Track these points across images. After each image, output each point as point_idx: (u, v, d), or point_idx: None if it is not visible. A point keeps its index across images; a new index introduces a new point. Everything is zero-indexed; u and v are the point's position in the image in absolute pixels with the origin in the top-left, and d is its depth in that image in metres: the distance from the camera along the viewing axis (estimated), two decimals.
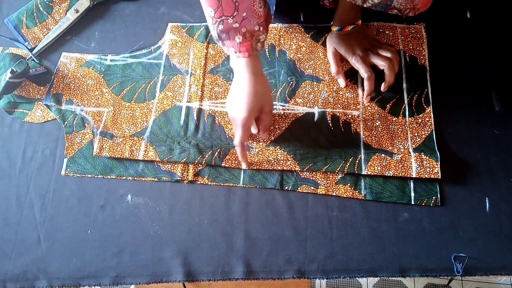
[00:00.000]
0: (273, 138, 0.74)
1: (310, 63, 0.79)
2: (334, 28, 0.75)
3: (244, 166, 0.71)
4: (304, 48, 0.81)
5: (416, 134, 0.73)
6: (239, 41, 0.61)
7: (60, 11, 0.86)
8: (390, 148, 0.72)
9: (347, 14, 0.73)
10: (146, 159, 0.73)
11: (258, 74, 0.64)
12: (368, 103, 0.76)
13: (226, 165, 0.72)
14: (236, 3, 0.58)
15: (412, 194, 0.70)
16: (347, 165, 0.70)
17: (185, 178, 0.73)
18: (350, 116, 0.75)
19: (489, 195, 0.70)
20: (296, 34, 0.82)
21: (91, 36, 0.86)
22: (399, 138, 0.73)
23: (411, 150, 0.71)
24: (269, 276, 0.67)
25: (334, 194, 0.70)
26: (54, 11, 0.86)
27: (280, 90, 0.78)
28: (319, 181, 0.71)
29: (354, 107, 0.75)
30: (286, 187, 0.71)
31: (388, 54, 0.73)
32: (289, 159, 0.72)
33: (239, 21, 0.60)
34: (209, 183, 0.72)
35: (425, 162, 0.70)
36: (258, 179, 0.72)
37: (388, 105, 0.75)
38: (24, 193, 0.74)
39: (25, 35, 0.85)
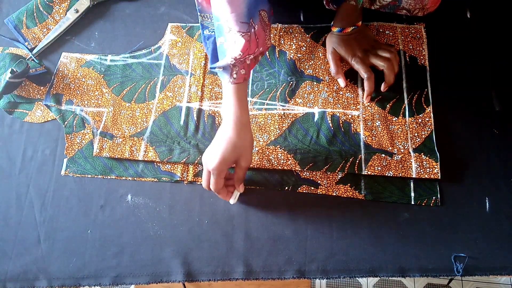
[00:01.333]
0: (273, 138, 0.74)
1: (310, 63, 0.79)
2: (335, 29, 0.75)
3: (232, 201, 0.68)
4: (304, 48, 0.81)
5: (416, 134, 0.73)
6: (243, 73, 0.60)
7: (60, 11, 0.86)
8: (390, 148, 0.72)
9: (348, 15, 0.73)
10: (146, 159, 0.73)
11: (244, 123, 0.62)
12: (368, 103, 0.76)
13: None
14: (257, 39, 0.58)
15: (412, 194, 0.70)
16: (347, 165, 0.70)
17: (185, 178, 0.73)
18: (350, 116, 0.75)
19: (489, 195, 0.70)
20: (296, 34, 0.82)
21: (91, 36, 0.86)
22: (399, 138, 0.73)
23: (411, 150, 0.71)
24: (269, 276, 0.67)
25: (334, 194, 0.70)
26: (54, 11, 0.86)
27: (280, 90, 0.78)
28: (319, 181, 0.71)
29: (354, 107, 0.75)
30: (286, 187, 0.71)
31: (388, 55, 0.73)
32: (289, 158, 0.72)
33: (255, 56, 0.60)
34: None
35: (425, 162, 0.70)
36: (258, 179, 0.72)
37: (388, 105, 0.75)
38: (24, 193, 0.74)
39: (25, 35, 0.85)
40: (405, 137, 0.73)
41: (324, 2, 0.75)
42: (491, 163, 0.72)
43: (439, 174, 0.69)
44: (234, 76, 0.60)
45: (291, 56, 0.80)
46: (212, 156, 0.62)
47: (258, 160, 0.72)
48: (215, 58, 0.63)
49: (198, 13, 0.64)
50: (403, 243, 0.67)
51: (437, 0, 0.60)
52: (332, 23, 0.76)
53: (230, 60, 0.58)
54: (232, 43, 0.57)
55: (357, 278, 1.43)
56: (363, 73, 0.73)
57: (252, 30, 0.56)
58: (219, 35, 0.58)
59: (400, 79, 0.77)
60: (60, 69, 0.82)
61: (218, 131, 0.64)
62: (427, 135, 0.73)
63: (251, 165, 0.71)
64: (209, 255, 0.68)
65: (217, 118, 0.76)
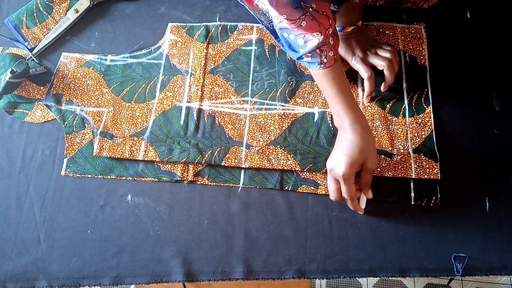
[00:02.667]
0: (273, 138, 0.74)
1: None
2: None
3: (363, 205, 0.67)
4: None
5: (416, 134, 0.73)
6: (332, 55, 0.59)
7: (60, 11, 0.86)
8: (390, 148, 0.72)
9: (349, 15, 0.73)
10: (146, 159, 0.73)
11: (363, 125, 0.61)
12: (368, 103, 0.76)
13: (226, 164, 0.72)
14: (323, 12, 0.56)
15: (412, 194, 0.70)
16: None
17: (185, 178, 0.73)
18: None
19: (489, 195, 0.70)
20: None
21: (91, 36, 0.86)
22: (399, 138, 0.73)
23: (410, 150, 0.71)
24: (269, 276, 0.67)
25: None
26: (54, 11, 0.86)
27: (280, 90, 0.78)
28: (319, 181, 0.71)
29: None
30: (286, 187, 0.71)
31: (388, 55, 0.73)
32: (290, 158, 0.72)
33: (333, 30, 0.59)
34: (209, 183, 0.72)
35: (424, 163, 0.70)
36: (258, 179, 0.72)
37: (388, 105, 0.75)
38: (24, 193, 0.74)
39: (25, 35, 0.85)
40: (405, 137, 0.73)
41: None
42: (491, 163, 0.72)
43: (439, 174, 0.69)
44: (325, 60, 0.59)
45: (291, 56, 0.80)
46: (339, 163, 0.61)
47: (258, 160, 0.72)
48: (293, 51, 0.61)
49: (249, 10, 0.64)
50: (403, 243, 0.67)
51: None
52: None
53: (316, 43, 0.57)
54: (297, 33, 0.56)
55: (357, 278, 1.43)
56: (363, 73, 0.73)
57: (310, 9, 0.55)
58: (283, 31, 0.58)
59: (400, 79, 0.77)
60: (60, 69, 0.82)
61: (337, 138, 0.64)
62: (427, 135, 0.73)
63: (251, 165, 0.72)
64: (209, 255, 0.68)
65: (217, 118, 0.76)
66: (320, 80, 0.63)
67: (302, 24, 0.55)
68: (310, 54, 0.59)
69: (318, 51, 0.58)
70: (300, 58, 0.61)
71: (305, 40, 0.58)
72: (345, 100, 0.61)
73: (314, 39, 0.57)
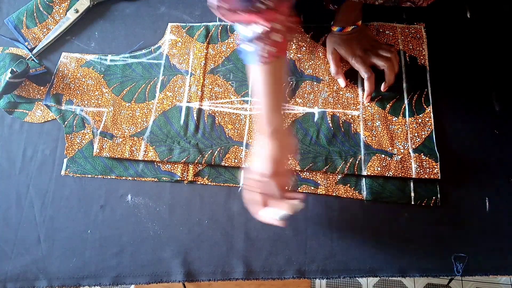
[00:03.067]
0: None
1: (310, 63, 0.79)
2: (335, 29, 0.75)
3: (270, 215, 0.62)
4: (304, 48, 0.81)
5: (416, 134, 0.73)
6: (274, 51, 0.55)
7: (60, 11, 0.86)
8: (390, 148, 0.72)
9: (348, 14, 0.73)
10: (146, 159, 0.73)
11: (276, 133, 0.58)
12: (368, 103, 0.76)
13: (226, 164, 0.72)
14: (283, 11, 0.54)
15: (412, 194, 0.70)
16: (347, 166, 0.70)
17: (185, 178, 0.73)
18: (350, 116, 0.75)
19: (489, 195, 0.70)
20: (296, 34, 0.82)
21: (91, 36, 0.86)
22: (399, 138, 0.73)
23: (411, 150, 0.71)
24: (269, 276, 0.67)
25: (334, 194, 0.70)
26: (54, 11, 0.86)
27: None
28: (319, 181, 0.71)
29: (354, 107, 0.75)
30: (286, 187, 0.71)
31: (388, 54, 0.73)
32: (290, 158, 0.72)
33: (286, 26, 0.55)
34: (209, 183, 0.72)
35: (424, 162, 0.70)
36: None
37: (388, 105, 0.75)
38: (24, 193, 0.74)
39: (25, 35, 0.85)
40: (405, 137, 0.73)
41: (324, 3, 0.74)
42: (491, 163, 0.72)
43: (439, 174, 0.69)
44: (265, 55, 0.55)
45: (291, 56, 0.80)
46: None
47: None
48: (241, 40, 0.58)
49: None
50: (403, 243, 0.67)
51: None
52: (332, 22, 0.76)
53: (259, 30, 0.53)
54: (241, 24, 0.54)
55: (357, 278, 1.43)
56: (363, 73, 0.73)
57: (259, 4, 0.51)
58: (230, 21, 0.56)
59: (400, 79, 0.77)
60: (60, 69, 0.82)
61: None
62: (427, 135, 0.73)
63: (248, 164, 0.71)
64: (209, 255, 0.68)
65: (217, 118, 0.76)
66: (256, 76, 0.59)
67: (244, 15, 0.52)
68: (251, 44, 0.55)
69: (259, 42, 0.55)
70: (241, 44, 0.57)
71: (250, 28, 0.54)
72: (268, 106, 0.58)
73: (257, 28, 0.53)
